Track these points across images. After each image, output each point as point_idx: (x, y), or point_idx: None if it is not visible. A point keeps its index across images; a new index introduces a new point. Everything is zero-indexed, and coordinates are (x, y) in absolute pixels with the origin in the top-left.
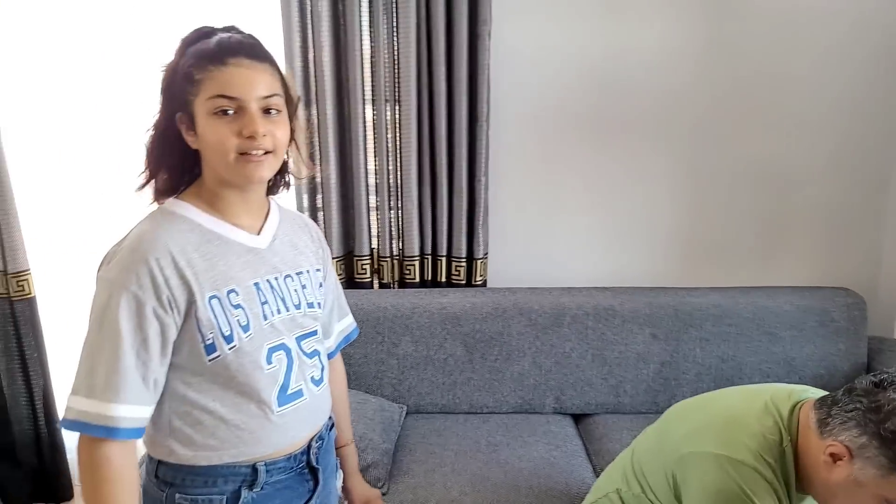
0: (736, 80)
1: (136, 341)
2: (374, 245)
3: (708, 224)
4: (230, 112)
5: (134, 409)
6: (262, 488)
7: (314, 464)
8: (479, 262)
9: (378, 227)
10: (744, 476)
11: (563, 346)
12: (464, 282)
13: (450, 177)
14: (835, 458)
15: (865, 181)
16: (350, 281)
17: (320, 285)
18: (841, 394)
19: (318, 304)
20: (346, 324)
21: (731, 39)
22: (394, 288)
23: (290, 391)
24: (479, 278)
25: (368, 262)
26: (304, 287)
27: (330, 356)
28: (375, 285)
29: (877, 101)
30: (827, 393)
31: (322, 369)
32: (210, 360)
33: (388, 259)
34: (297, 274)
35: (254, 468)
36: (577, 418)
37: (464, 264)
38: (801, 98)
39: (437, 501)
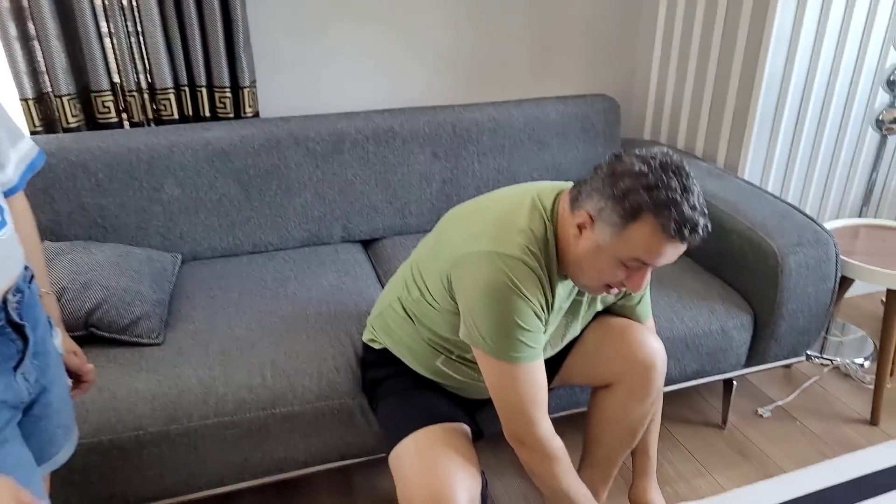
0: None
1: None
2: (117, 79)
3: (484, 41)
4: None
5: None
6: None
7: (17, 320)
8: (246, 90)
9: (117, 58)
10: (511, 267)
11: (346, 174)
12: (231, 115)
13: None
14: (581, 228)
15: None
16: (91, 121)
17: None
18: (589, 174)
19: None
20: (25, 149)
21: None
22: (149, 126)
23: None
24: (248, 110)
25: (111, 98)
26: None
27: (13, 191)
28: (126, 125)
29: None
30: None
31: (2, 211)
32: None
33: (135, 93)
34: None
35: None
36: (367, 244)
37: (228, 95)
38: None
39: (220, 342)
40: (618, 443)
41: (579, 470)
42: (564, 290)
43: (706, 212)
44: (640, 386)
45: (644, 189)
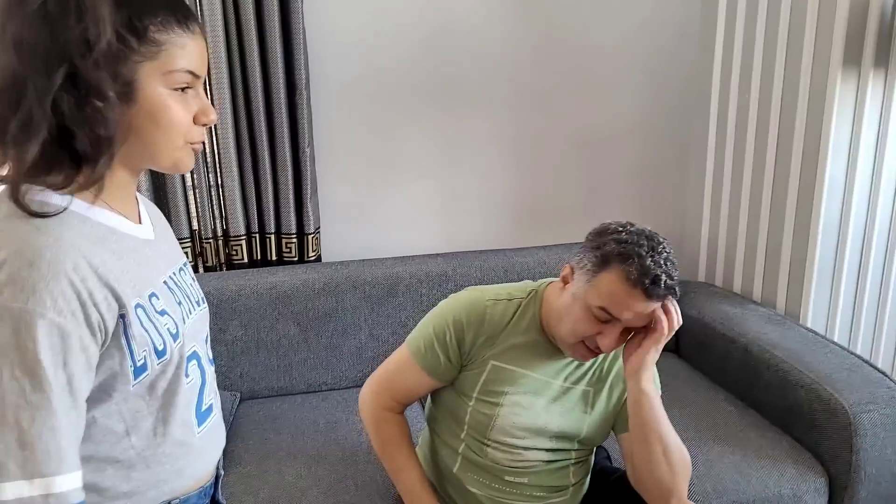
0: (554, 49)
1: (66, 386)
2: (195, 226)
3: (534, 187)
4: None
5: (78, 477)
6: None
7: (219, 499)
8: (310, 237)
9: (197, 207)
10: (466, 295)
11: (399, 316)
12: (296, 259)
13: (272, 150)
14: (565, 281)
15: (671, 143)
16: None
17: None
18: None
19: (203, 299)
20: None
21: (548, 9)
22: (221, 270)
23: (204, 407)
24: (311, 254)
25: (189, 244)
26: (193, 280)
27: None
28: (200, 269)
29: (679, 71)
30: None
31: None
32: (134, 385)
33: (211, 240)
34: (185, 265)
35: None
36: None
37: (294, 240)
38: (613, 67)
39: (269, 489)
40: None
41: None
42: (553, 367)
43: (673, 274)
44: None
45: (616, 242)
